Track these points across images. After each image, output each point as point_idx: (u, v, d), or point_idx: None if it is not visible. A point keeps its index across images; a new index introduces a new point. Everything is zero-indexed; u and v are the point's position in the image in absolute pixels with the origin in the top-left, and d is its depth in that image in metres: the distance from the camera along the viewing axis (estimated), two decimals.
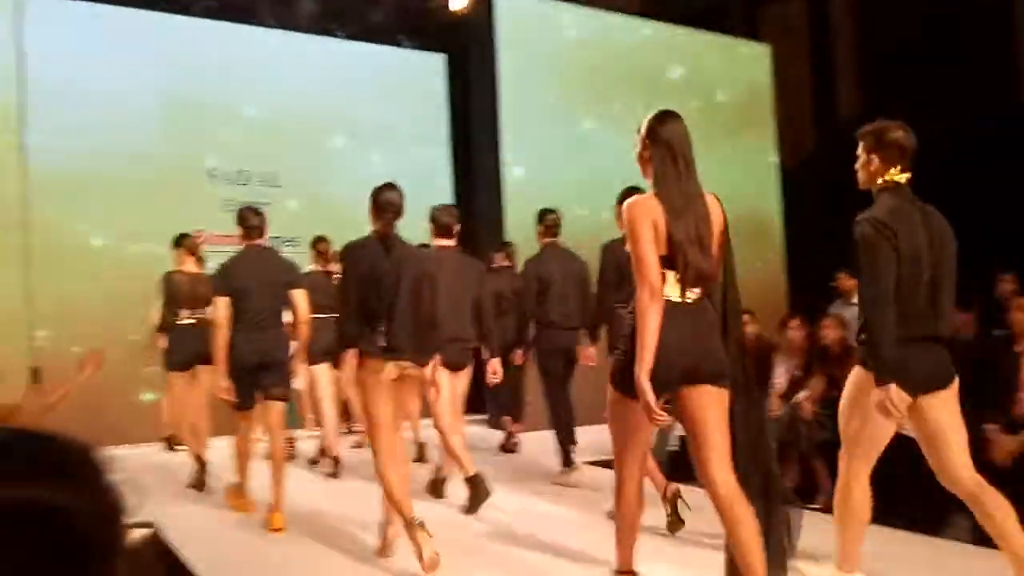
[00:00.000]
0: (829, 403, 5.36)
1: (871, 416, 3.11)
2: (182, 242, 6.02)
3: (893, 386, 2.95)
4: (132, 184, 8.02)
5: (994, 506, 3.02)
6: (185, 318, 5.82)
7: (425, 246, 5.11)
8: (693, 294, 2.84)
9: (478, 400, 8.76)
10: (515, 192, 8.48)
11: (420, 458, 6.31)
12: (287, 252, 8.45)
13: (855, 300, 6.32)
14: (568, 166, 8.79)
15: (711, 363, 2.82)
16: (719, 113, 9.98)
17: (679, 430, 6.25)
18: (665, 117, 2.96)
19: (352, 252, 3.88)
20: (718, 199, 3.01)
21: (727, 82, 10.12)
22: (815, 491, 5.21)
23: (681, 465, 5.89)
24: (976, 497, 3.07)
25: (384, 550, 4.01)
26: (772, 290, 9.60)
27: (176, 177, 8.29)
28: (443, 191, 9.78)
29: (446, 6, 9.68)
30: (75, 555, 0.52)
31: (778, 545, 2.90)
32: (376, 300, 3.76)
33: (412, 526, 3.58)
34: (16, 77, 6.88)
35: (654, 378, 2.69)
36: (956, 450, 3.10)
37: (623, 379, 2.82)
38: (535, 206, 8.34)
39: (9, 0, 6.84)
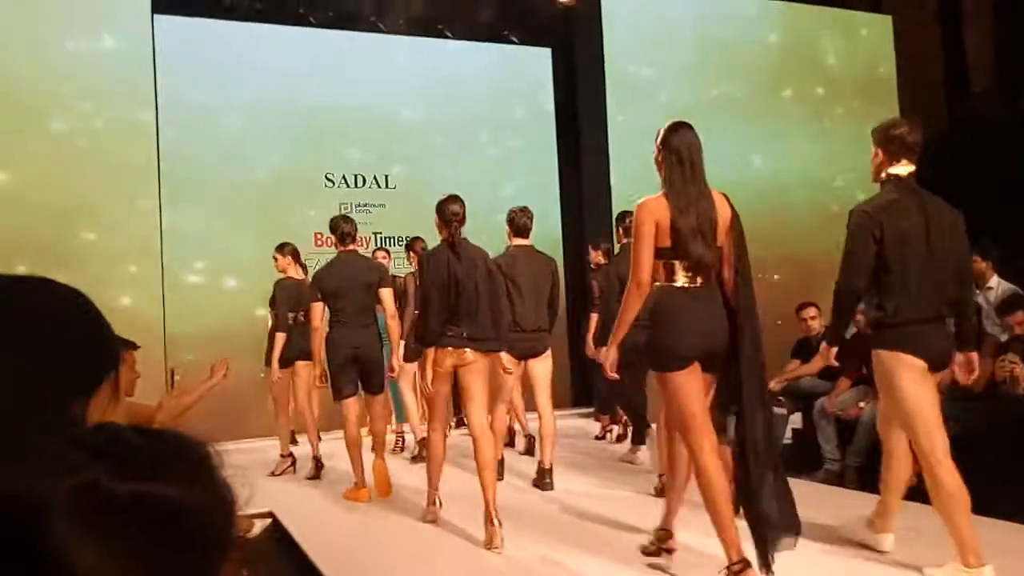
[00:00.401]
0: (956, 393, 5.08)
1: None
2: (285, 249, 6.37)
3: (833, 350, 3.59)
4: (257, 190, 8.44)
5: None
6: (289, 320, 6.21)
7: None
8: (701, 280, 3.21)
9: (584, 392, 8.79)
10: (623, 180, 8.38)
11: (529, 450, 6.41)
12: (401, 251, 8.80)
13: (991, 284, 5.98)
14: None
15: (720, 348, 3.22)
16: (839, 89, 9.57)
17: (794, 423, 6.13)
18: (677, 127, 3.33)
19: (428, 260, 4.46)
20: (727, 198, 3.34)
21: (847, 57, 9.68)
22: None
23: (794, 457, 5.76)
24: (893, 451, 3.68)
25: (429, 515, 4.59)
26: None
27: (295, 182, 8.67)
28: (551, 184, 9.82)
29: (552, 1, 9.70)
30: (192, 548, 0.55)
31: (785, 527, 3.15)
32: (455, 299, 4.28)
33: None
34: (152, 91, 7.34)
35: (679, 353, 3.16)
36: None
37: (656, 359, 3.24)
38: (643, 194, 8.34)
39: (142, 21, 7.29)
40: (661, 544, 3.61)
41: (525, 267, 5.29)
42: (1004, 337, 5.07)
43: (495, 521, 4.02)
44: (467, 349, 4.28)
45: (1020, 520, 4.11)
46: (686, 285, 3.20)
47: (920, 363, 3.30)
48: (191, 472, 0.59)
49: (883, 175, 3.49)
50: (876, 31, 9.91)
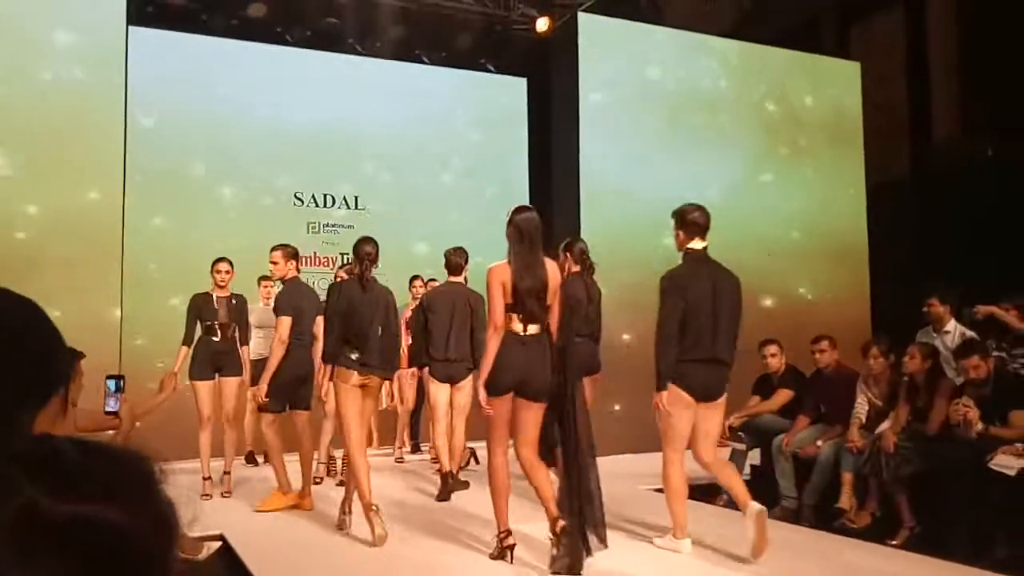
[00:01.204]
0: (913, 435, 5.16)
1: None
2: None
3: (665, 392, 4.31)
4: (225, 207, 8.37)
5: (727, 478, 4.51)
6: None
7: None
8: (532, 329, 4.13)
9: None
10: (592, 212, 8.44)
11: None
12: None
13: (948, 328, 6.09)
14: (648, 187, 8.72)
15: (536, 383, 4.11)
16: (806, 132, 9.76)
17: (753, 459, 6.18)
18: (521, 209, 4.31)
19: (338, 290, 5.08)
20: (557, 265, 4.37)
21: (815, 101, 9.88)
22: (896, 526, 5.00)
23: (753, 491, 5.79)
24: (710, 468, 4.56)
25: (342, 525, 4.98)
26: (856, 315, 9.27)
27: (264, 200, 8.61)
28: None
29: (528, 30, 9.82)
30: (131, 571, 0.55)
31: (586, 516, 4.04)
32: (355, 328, 4.93)
33: (370, 509, 4.60)
34: (124, 104, 7.25)
35: (499, 382, 4.08)
36: (705, 444, 4.48)
37: (487, 386, 4.14)
38: (613, 227, 8.39)
39: (116, 33, 7.22)
40: (503, 545, 4.23)
41: (446, 301, 6.05)
42: (960, 380, 5.16)
43: (374, 507, 4.61)
44: (355, 372, 4.92)
45: (972, 563, 4.16)
46: (519, 332, 4.10)
47: (686, 396, 4.32)
48: (133, 492, 0.57)
49: (684, 249, 4.50)
50: (844, 77, 10.14)
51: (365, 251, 5.05)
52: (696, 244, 4.47)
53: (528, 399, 4.10)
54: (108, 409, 2.66)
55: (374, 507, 4.57)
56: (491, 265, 4.17)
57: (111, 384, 2.79)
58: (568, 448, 4.08)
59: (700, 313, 4.30)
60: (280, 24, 9.11)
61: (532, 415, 4.11)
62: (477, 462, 7.12)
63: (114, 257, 7.02)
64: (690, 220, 4.48)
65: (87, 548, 0.53)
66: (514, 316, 4.10)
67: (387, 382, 5.37)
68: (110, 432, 2.85)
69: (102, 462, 0.58)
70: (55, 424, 0.88)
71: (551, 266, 4.22)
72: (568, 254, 5.93)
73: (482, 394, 4.15)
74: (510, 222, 4.21)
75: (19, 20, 6.82)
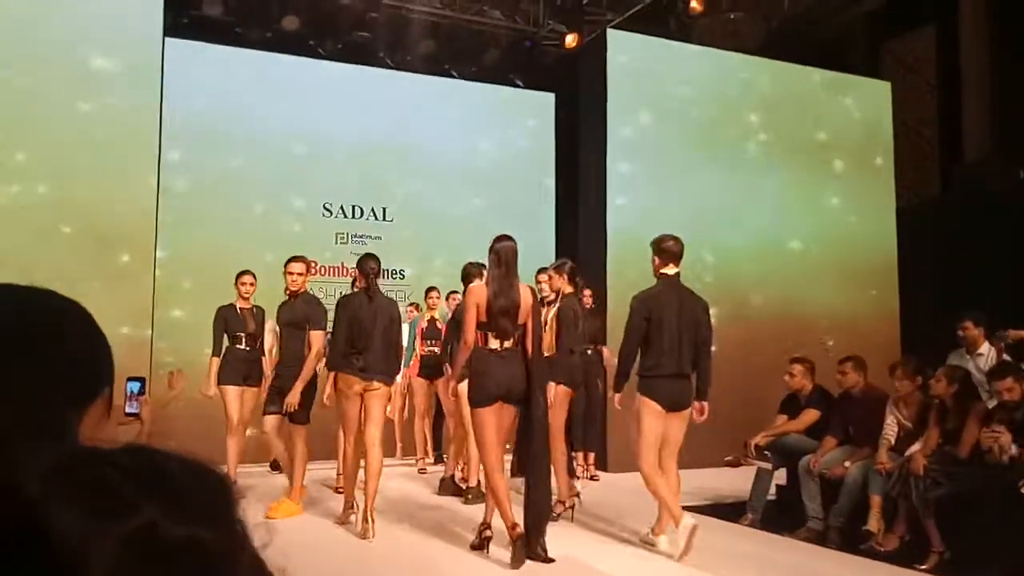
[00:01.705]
0: (943, 458, 5.08)
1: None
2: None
3: (617, 395, 5.03)
4: (256, 216, 8.46)
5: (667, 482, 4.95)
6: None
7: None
8: (507, 345, 4.65)
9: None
10: (620, 227, 8.42)
11: None
12: (397, 284, 8.81)
13: (982, 350, 6.01)
14: (675, 204, 8.70)
15: (515, 392, 4.65)
16: (836, 151, 9.69)
17: (779, 479, 6.11)
18: (501, 238, 4.80)
19: (347, 301, 5.51)
20: (531, 289, 4.91)
21: (845, 120, 9.82)
22: (925, 550, 4.91)
23: (777, 514, 5.74)
24: (664, 472, 4.96)
25: (343, 518, 5.47)
26: (885, 335, 9.17)
27: (294, 210, 8.70)
28: (547, 226, 9.89)
29: (558, 46, 9.86)
30: None
31: (543, 511, 4.69)
32: (358, 336, 5.31)
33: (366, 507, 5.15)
34: (158, 114, 7.33)
35: (485, 394, 4.61)
36: (667, 449, 4.95)
37: (471, 398, 4.74)
38: (640, 243, 8.36)
39: (152, 44, 7.33)
40: (481, 536, 4.77)
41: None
42: (992, 403, 5.08)
43: (369, 518, 5.09)
44: (359, 378, 5.31)
45: None
46: (496, 348, 4.61)
47: (656, 406, 4.86)
48: (226, 514, 0.58)
49: (658, 274, 5.05)
50: (874, 97, 10.06)
51: (370, 266, 5.50)
52: (669, 269, 5.03)
53: (511, 404, 4.68)
54: (129, 411, 2.68)
55: (356, 506, 5.18)
56: (470, 286, 4.97)
57: (133, 386, 2.82)
58: (524, 458, 4.76)
59: (666, 331, 4.86)
60: (313, 37, 9.23)
61: (509, 420, 4.73)
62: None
63: (147, 270, 7.08)
64: (665, 248, 5.06)
65: (193, 571, 0.53)
66: (489, 334, 4.63)
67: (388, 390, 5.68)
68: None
69: (201, 480, 0.58)
70: (99, 425, 0.89)
71: (524, 290, 4.75)
72: (560, 274, 6.08)
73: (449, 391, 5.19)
74: (491, 249, 4.76)
75: (55, 44, 6.95)
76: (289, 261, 6.01)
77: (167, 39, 7.39)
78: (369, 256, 5.63)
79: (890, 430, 5.53)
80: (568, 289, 6.05)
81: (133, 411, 2.72)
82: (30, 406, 0.78)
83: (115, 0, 7.07)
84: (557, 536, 4.88)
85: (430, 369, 7.41)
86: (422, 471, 7.60)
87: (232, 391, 6.15)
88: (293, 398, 5.62)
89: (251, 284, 6.35)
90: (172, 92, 7.62)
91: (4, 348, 0.80)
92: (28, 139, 6.81)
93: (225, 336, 6.25)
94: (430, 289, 7.80)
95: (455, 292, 7.66)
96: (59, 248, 6.67)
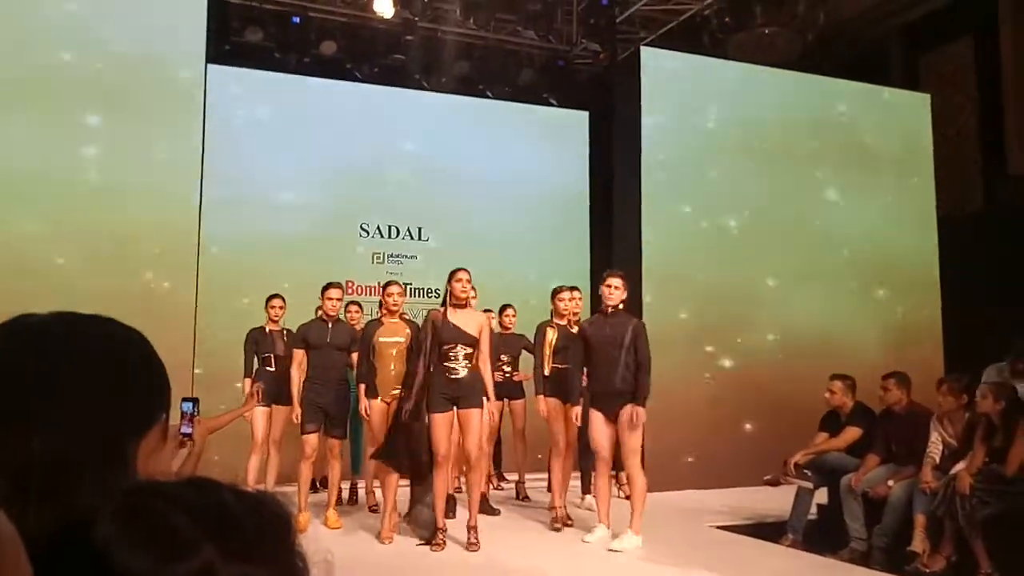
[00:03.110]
0: (990, 476, 4.98)
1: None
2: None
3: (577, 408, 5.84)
4: (295, 237, 8.60)
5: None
6: None
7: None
8: (465, 363, 5.43)
9: None
10: (654, 243, 8.40)
11: None
12: (434, 303, 8.87)
13: None
14: (712, 219, 8.66)
15: (471, 400, 5.44)
16: (875, 165, 9.56)
17: (819, 498, 6.02)
18: (456, 271, 5.55)
19: (368, 327, 6.02)
20: (486, 314, 6.04)
21: (883, 133, 9.70)
22: (973, 571, 4.81)
23: (819, 534, 5.66)
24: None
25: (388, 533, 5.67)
26: (928, 351, 9.01)
27: (332, 230, 8.82)
28: (582, 244, 9.91)
29: (591, 64, 9.91)
30: None
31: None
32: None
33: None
34: (201, 138, 7.49)
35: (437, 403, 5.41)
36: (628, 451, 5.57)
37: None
38: (675, 258, 8.34)
39: (195, 70, 7.51)
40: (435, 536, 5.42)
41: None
42: None
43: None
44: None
45: None
46: (453, 367, 5.42)
47: (599, 414, 5.61)
48: (287, 555, 0.60)
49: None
50: (913, 109, 9.94)
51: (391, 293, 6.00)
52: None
53: (467, 408, 5.46)
54: (184, 431, 2.73)
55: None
56: (432, 310, 5.74)
57: (187, 407, 2.88)
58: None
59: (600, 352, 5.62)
60: (349, 61, 9.39)
61: (476, 421, 5.52)
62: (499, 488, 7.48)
63: (188, 291, 7.21)
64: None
65: None
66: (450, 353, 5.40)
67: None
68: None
69: (259, 516, 0.60)
70: (156, 452, 0.92)
71: (481, 316, 5.68)
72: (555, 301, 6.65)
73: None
74: (449, 280, 5.53)
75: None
76: (327, 287, 6.23)
77: (209, 65, 7.56)
78: (392, 283, 6.05)
79: (935, 448, 5.43)
80: (560, 319, 6.57)
81: (188, 432, 2.78)
82: (95, 434, 0.81)
83: (160, 28, 7.25)
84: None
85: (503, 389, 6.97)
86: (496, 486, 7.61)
87: (260, 411, 6.32)
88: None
89: (280, 307, 6.67)
90: (214, 115, 7.79)
91: (71, 377, 0.83)
92: (70, 163, 7.00)
93: (255, 358, 6.54)
94: (505, 307, 7.51)
95: (509, 305, 7.57)
96: (101, 270, 6.82)
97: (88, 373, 0.85)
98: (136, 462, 0.86)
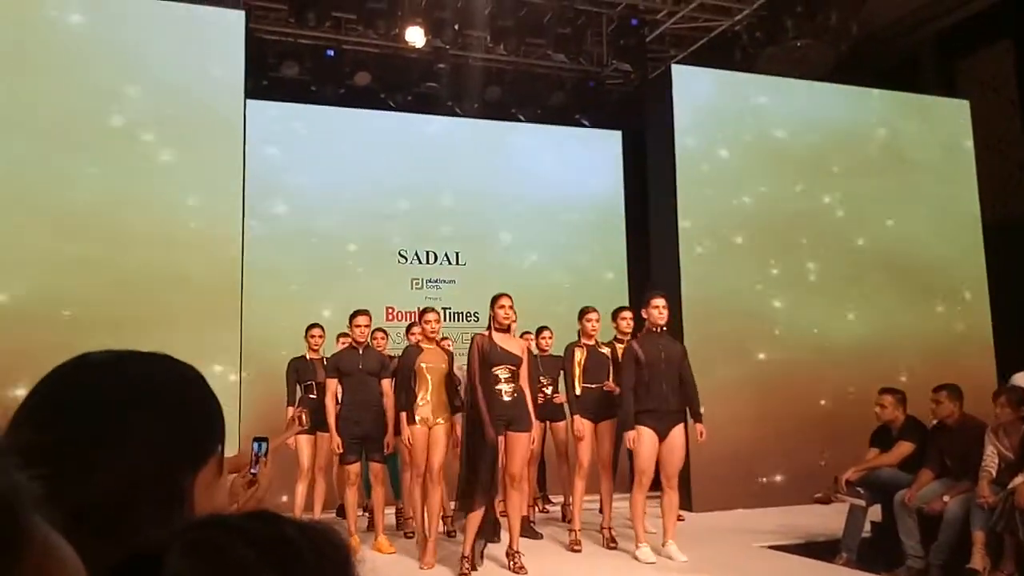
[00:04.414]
0: None
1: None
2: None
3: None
4: (334, 265, 8.71)
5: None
6: None
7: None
8: (512, 386, 5.45)
9: None
10: (690, 259, 8.34)
11: None
12: (473, 327, 8.90)
13: None
14: (747, 234, 8.58)
15: (522, 422, 5.44)
16: (917, 173, 9.42)
17: (873, 516, 5.88)
18: (500, 296, 5.56)
19: (408, 353, 6.14)
20: (526, 340, 6.27)
21: (923, 141, 9.56)
22: None
23: (875, 550, 5.52)
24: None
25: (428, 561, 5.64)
26: (979, 361, 8.79)
27: (370, 258, 8.92)
28: (619, 263, 9.88)
29: (622, 84, 9.92)
30: None
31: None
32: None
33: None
34: (242, 170, 7.60)
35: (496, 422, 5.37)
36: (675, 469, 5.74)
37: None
38: (711, 275, 8.26)
39: (235, 106, 7.65)
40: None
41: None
42: None
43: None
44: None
45: None
46: (503, 389, 5.42)
47: (651, 432, 5.65)
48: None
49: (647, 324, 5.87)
50: (953, 115, 9.78)
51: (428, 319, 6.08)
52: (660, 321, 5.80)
53: (518, 431, 5.52)
54: (253, 471, 2.76)
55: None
56: (476, 335, 5.65)
57: (257, 447, 2.91)
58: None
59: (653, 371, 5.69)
60: (383, 91, 9.52)
61: (525, 444, 5.60)
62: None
63: (234, 319, 7.28)
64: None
65: None
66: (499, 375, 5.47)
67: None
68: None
69: (322, 550, 0.61)
70: (212, 485, 0.93)
71: (522, 340, 5.91)
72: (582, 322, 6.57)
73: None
74: (492, 305, 5.55)
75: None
76: (356, 314, 6.30)
77: (248, 101, 7.71)
78: (429, 309, 6.16)
79: (991, 461, 5.29)
80: (589, 340, 6.52)
81: (255, 472, 2.80)
82: (154, 469, 0.83)
83: (200, 67, 7.41)
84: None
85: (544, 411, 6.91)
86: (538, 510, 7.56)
87: (305, 439, 6.40)
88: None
89: (320, 336, 6.79)
90: (254, 148, 7.93)
91: (132, 413, 0.85)
92: (120, 200, 7.14)
93: (297, 386, 6.65)
94: (542, 329, 7.40)
95: (546, 327, 7.47)
96: (148, 297, 6.92)
97: (148, 409, 0.87)
98: (193, 495, 0.88)
